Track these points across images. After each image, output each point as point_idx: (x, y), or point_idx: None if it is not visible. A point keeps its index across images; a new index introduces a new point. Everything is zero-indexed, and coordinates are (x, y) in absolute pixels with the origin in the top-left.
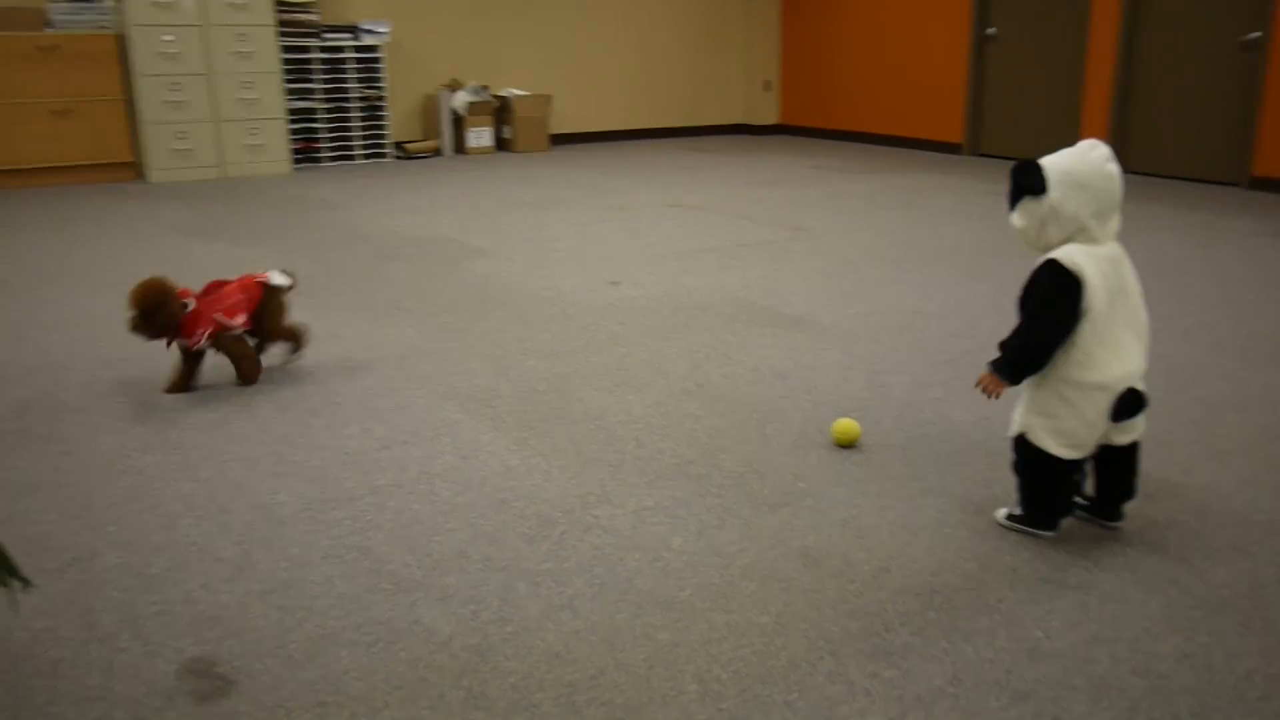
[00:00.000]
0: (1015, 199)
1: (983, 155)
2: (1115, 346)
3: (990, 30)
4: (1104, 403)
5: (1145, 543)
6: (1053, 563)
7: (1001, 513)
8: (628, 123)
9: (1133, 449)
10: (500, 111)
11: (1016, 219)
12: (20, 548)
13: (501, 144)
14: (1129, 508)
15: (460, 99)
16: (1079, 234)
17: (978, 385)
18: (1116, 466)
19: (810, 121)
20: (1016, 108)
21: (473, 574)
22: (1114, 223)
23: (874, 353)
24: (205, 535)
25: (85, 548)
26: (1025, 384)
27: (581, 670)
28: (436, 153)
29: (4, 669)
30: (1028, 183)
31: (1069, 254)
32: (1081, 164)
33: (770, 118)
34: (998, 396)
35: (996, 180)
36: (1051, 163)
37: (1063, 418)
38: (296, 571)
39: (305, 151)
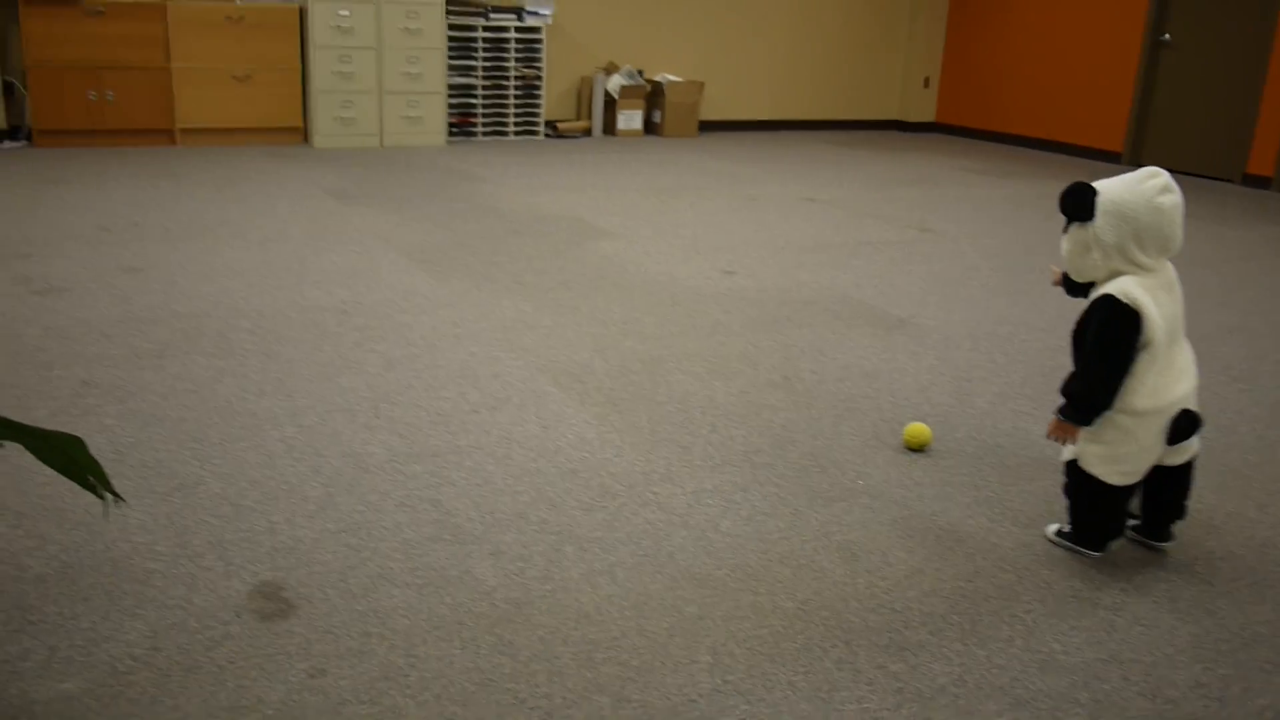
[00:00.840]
0: (1066, 223)
1: (1142, 166)
2: (1172, 371)
3: (1165, 36)
4: (1159, 426)
5: (1194, 573)
6: (1091, 582)
7: (1052, 529)
8: (779, 113)
9: (1186, 469)
10: (652, 96)
11: (1064, 243)
12: (137, 470)
13: (650, 128)
14: (1186, 537)
15: (614, 82)
16: (1126, 264)
17: (1050, 435)
18: (1167, 487)
19: (967, 121)
20: (1184, 120)
21: (528, 534)
22: (1167, 253)
23: (970, 360)
24: (297, 475)
25: (192, 476)
26: None
27: (606, 631)
28: (587, 133)
29: (105, 573)
30: (1073, 206)
31: (1124, 288)
32: (1131, 194)
33: (926, 115)
34: (1074, 441)
35: None
36: (1104, 188)
37: (1118, 444)
38: (371, 515)
39: (461, 125)
